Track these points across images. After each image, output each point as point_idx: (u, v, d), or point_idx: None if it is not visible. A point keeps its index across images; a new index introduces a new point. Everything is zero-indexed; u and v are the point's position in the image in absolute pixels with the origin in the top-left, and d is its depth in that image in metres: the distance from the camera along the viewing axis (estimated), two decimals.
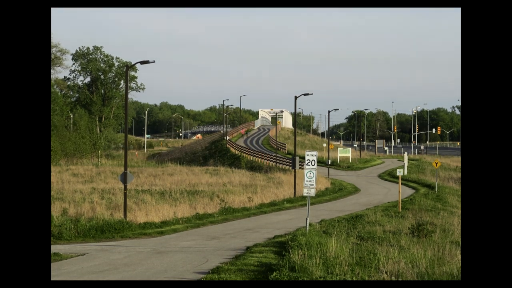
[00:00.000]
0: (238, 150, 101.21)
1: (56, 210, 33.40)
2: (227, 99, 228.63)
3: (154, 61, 33.99)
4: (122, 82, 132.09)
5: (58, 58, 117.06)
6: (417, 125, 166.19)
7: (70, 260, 22.39)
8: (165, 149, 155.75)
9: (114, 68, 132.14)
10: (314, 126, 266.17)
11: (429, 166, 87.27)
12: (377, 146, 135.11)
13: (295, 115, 59.22)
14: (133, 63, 41.65)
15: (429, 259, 19.84)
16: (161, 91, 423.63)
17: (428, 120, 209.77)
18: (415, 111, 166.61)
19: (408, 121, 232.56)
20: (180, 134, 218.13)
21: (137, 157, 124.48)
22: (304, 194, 26.95)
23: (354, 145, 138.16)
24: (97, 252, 24.44)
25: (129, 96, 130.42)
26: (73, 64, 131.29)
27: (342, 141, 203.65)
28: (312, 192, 26.92)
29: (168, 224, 33.10)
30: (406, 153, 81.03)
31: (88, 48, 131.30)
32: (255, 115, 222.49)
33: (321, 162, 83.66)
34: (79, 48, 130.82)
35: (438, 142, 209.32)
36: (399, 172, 43.80)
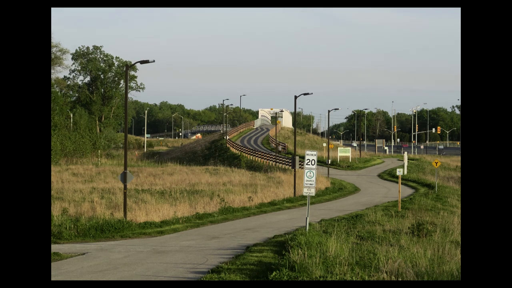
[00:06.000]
0: (238, 150, 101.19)
1: (56, 209, 33.39)
2: (227, 99, 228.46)
3: (154, 61, 33.99)
4: (122, 81, 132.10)
5: (58, 58, 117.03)
6: (417, 125, 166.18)
7: (70, 260, 22.38)
8: (165, 149, 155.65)
9: (114, 67, 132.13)
10: (314, 125, 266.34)
11: (429, 166, 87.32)
12: (376, 145, 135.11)
13: (295, 115, 59.20)
14: (133, 63, 41.65)
15: (429, 258, 19.84)
16: (161, 90, 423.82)
17: (428, 119, 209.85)
18: (415, 111, 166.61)
19: (408, 121, 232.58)
20: (180, 134, 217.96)
21: (137, 157, 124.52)
22: (304, 194, 26.93)
23: (354, 145, 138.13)
24: (97, 252, 24.43)
25: (129, 95, 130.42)
26: (73, 63, 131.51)
27: (342, 140, 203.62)
28: (312, 192, 26.90)
29: (168, 224, 33.09)
30: (406, 153, 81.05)
31: (88, 48, 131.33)
32: (255, 114, 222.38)
33: (321, 162, 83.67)
34: (79, 47, 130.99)
35: (438, 141, 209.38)
36: (399, 172, 43.79)
